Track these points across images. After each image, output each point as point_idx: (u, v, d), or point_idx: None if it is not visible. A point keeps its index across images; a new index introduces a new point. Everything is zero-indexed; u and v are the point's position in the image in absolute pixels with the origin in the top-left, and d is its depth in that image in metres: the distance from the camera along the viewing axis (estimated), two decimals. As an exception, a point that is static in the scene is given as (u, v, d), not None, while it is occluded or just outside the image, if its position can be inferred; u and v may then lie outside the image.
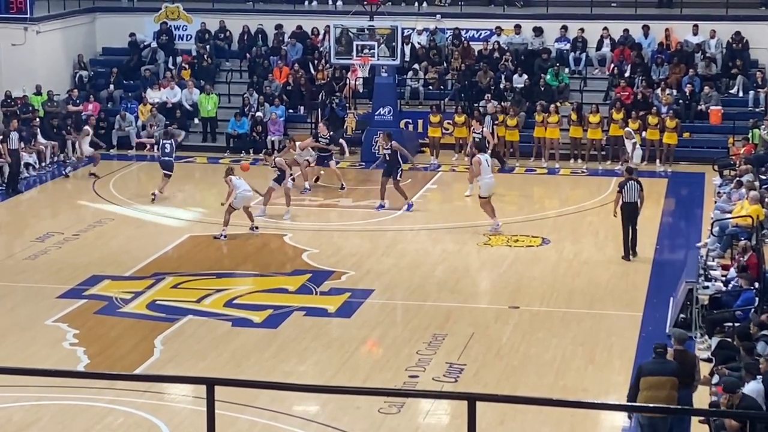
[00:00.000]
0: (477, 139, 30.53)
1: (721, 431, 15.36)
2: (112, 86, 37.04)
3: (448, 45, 36.77)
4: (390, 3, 37.09)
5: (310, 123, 35.20)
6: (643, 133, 32.63)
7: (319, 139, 30.35)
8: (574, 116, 33.20)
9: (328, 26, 34.63)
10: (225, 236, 25.72)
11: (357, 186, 30.95)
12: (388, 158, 28.19)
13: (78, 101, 35.73)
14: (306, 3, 38.78)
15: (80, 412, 17.37)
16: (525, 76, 35.19)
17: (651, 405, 14.51)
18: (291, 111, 35.18)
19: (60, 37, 37.14)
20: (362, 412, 17.22)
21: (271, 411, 17.19)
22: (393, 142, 28.42)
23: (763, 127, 30.74)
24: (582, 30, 36.30)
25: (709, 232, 24.30)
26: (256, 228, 26.19)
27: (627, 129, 30.96)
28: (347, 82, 35.37)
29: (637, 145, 31.12)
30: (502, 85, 35.22)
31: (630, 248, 24.35)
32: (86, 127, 32.20)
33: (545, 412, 17.02)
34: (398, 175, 28.08)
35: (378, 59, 33.28)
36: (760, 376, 15.93)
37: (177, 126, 34.92)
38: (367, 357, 19.79)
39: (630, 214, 24.18)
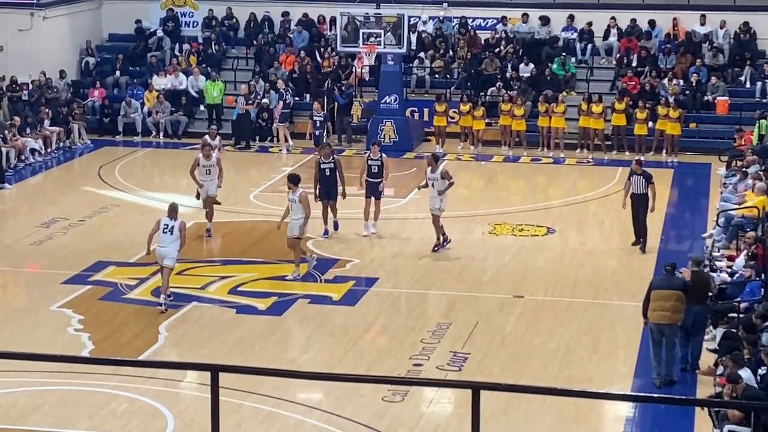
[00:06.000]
0: (374, 169, 25.06)
1: (724, 421, 15.37)
2: (118, 72, 37.04)
3: (455, 34, 36.70)
4: (397, -9, 37.05)
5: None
6: (650, 123, 32.60)
7: (314, 117, 32.32)
8: (584, 106, 33.01)
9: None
10: None
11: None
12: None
13: (74, 88, 35.63)
14: (313, -10, 38.73)
15: (84, 397, 17.40)
16: (531, 66, 35.13)
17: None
18: (297, 98, 35.14)
19: (66, 23, 37.12)
20: (366, 400, 17.22)
21: (274, 398, 17.20)
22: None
23: (771, 117, 30.64)
24: (589, 20, 36.23)
25: (715, 222, 24.27)
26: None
27: (441, 166, 24.59)
28: (353, 69, 35.33)
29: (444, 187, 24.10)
30: (508, 74, 35.17)
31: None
32: None
33: (549, 401, 17.01)
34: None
35: (384, 47, 33.22)
36: (752, 367, 16.00)
37: (183, 113, 34.91)
38: (371, 345, 19.79)
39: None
